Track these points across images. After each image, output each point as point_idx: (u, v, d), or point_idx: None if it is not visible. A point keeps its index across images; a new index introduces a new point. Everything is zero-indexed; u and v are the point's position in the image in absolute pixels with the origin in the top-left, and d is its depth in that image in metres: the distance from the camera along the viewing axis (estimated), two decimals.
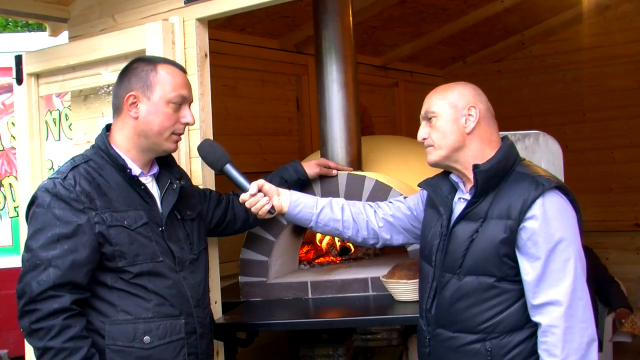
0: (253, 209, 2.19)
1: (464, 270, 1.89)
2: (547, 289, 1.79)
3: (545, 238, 1.79)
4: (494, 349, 1.84)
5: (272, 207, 2.20)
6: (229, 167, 2.22)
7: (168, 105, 2.04)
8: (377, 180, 2.67)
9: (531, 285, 1.81)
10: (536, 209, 1.81)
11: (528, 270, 1.82)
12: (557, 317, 1.77)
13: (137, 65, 2.08)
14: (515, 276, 1.85)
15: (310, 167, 2.67)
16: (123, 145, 2.06)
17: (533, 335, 1.84)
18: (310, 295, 2.74)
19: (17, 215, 4.83)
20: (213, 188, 2.56)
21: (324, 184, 2.73)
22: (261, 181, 2.22)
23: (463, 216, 1.92)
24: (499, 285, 1.86)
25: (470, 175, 1.92)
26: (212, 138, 2.53)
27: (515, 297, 1.85)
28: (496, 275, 1.86)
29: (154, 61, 2.10)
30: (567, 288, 1.78)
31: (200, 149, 2.30)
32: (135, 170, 2.05)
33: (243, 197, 2.19)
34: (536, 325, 1.83)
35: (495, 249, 1.84)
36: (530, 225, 1.81)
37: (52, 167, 4.95)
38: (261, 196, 2.19)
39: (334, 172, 2.73)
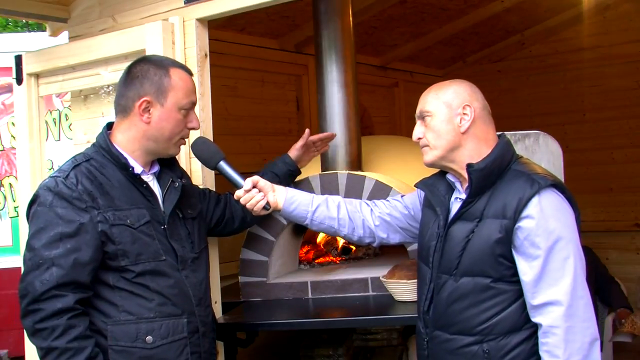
0: (248, 205, 2.18)
1: (460, 271, 1.87)
2: (547, 289, 1.76)
3: (542, 237, 1.76)
4: (492, 350, 1.82)
5: (267, 203, 2.19)
6: (222, 165, 2.22)
7: (180, 111, 2.04)
8: (377, 180, 2.67)
9: (530, 285, 1.78)
10: (532, 207, 1.78)
11: (526, 270, 1.79)
12: (558, 317, 1.74)
13: (148, 68, 2.04)
14: (512, 277, 1.82)
15: (293, 150, 2.61)
16: (126, 145, 2.05)
17: (532, 336, 1.82)
18: (310, 295, 2.73)
19: (17, 215, 4.83)
20: (213, 188, 2.55)
21: (324, 184, 2.73)
22: (256, 177, 2.21)
23: (459, 216, 1.90)
24: (496, 286, 1.83)
25: (467, 175, 1.89)
26: (212, 138, 2.53)
27: (513, 297, 1.83)
28: (492, 276, 1.83)
29: (164, 64, 2.07)
30: (567, 287, 1.75)
31: (193, 146, 2.29)
32: (137, 168, 2.05)
33: (238, 193, 2.19)
34: (535, 326, 1.81)
35: (491, 249, 1.82)
36: (526, 224, 1.78)
37: (52, 167, 4.94)
38: (256, 192, 2.18)
39: (316, 144, 2.67)
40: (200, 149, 2.27)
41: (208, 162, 2.26)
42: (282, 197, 2.22)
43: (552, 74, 5.72)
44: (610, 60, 5.43)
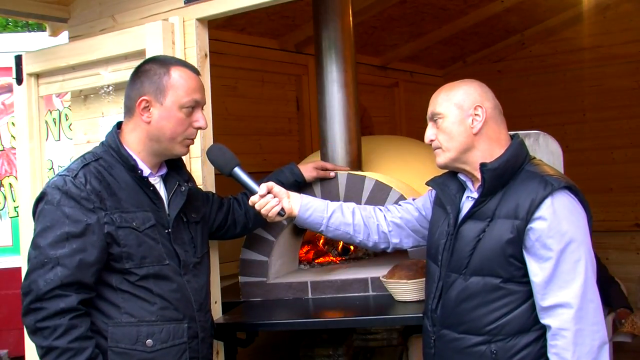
0: (263, 211, 2.17)
1: (469, 270, 1.87)
2: (557, 291, 1.76)
3: (554, 239, 1.76)
4: (500, 351, 1.82)
5: (282, 209, 2.18)
6: (237, 171, 2.21)
7: (181, 110, 2.02)
8: (377, 180, 2.67)
9: (540, 287, 1.78)
10: (545, 209, 1.78)
11: (537, 271, 1.79)
12: (567, 319, 1.74)
13: (150, 67, 2.04)
14: (522, 277, 1.82)
15: (308, 170, 2.65)
16: (134, 146, 2.04)
17: (540, 338, 1.81)
18: (310, 295, 2.73)
19: (17, 215, 4.82)
20: (213, 188, 2.56)
21: (323, 184, 2.73)
22: (271, 183, 2.20)
23: (470, 215, 1.90)
24: (505, 287, 1.83)
25: (479, 175, 1.89)
26: (212, 138, 2.54)
27: (522, 298, 1.82)
28: (502, 276, 1.83)
29: (167, 63, 2.05)
30: (577, 290, 1.75)
31: (209, 153, 2.30)
32: (145, 170, 2.04)
33: (253, 198, 2.18)
34: (543, 328, 1.80)
35: (502, 250, 1.81)
36: (538, 226, 1.78)
37: (52, 167, 4.95)
38: (271, 197, 2.17)
39: (332, 174, 2.71)
40: (215, 156, 2.27)
41: (223, 168, 2.25)
42: (297, 203, 2.21)
43: (552, 74, 5.72)
44: (610, 60, 5.42)
